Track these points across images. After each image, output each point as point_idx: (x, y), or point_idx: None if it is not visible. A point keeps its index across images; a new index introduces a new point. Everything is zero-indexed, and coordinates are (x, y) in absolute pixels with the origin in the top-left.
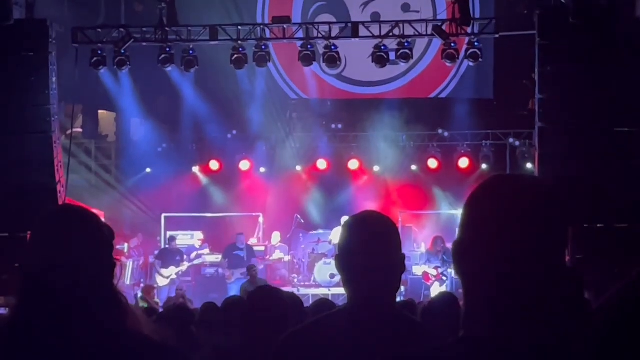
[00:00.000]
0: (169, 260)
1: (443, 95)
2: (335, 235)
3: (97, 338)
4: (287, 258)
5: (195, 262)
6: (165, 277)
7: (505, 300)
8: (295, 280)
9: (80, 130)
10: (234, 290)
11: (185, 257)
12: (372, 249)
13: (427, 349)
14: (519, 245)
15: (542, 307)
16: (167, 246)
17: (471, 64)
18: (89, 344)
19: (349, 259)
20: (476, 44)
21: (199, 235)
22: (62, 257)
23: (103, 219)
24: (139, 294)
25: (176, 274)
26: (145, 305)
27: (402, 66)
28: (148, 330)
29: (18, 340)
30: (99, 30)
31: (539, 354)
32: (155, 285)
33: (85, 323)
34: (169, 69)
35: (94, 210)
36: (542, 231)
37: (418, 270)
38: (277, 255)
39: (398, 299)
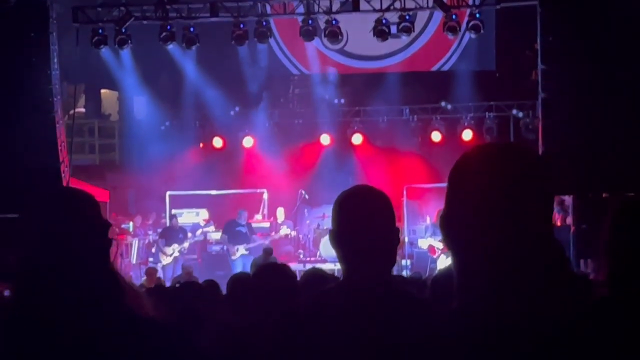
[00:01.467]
0: (171, 238)
1: (445, 68)
2: None
3: (94, 317)
4: (293, 234)
5: (197, 238)
6: (169, 255)
7: (493, 270)
8: (301, 256)
9: (83, 110)
10: (238, 267)
11: (189, 234)
12: (365, 224)
13: (424, 323)
14: (502, 214)
15: (529, 276)
16: (169, 224)
17: (473, 36)
18: (86, 322)
19: (343, 234)
20: (477, 15)
21: (204, 213)
22: (56, 238)
23: (108, 199)
24: (143, 278)
25: (179, 251)
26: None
27: (404, 40)
28: (148, 309)
29: (17, 321)
30: (99, 9)
31: (529, 321)
32: (159, 264)
33: (82, 302)
34: (170, 46)
35: (99, 190)
36: (525, 199)
37: (424, 243)
38: (284, 231)
39: (404, 273)
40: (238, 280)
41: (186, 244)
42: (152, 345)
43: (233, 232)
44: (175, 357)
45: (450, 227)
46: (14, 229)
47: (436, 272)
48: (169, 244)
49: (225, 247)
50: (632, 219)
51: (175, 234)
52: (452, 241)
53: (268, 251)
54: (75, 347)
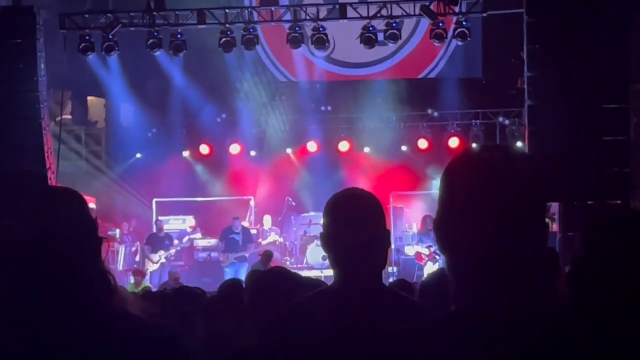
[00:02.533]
0: (157, 245)
1: (432, 75)
2: None
3: (84, 317)
4: (280, 240)
5: (184, 245)
6: (155, 262)
7: (488, 272)
8: (288, 263)
9: (69, 116)
10: (229, 274)
11: (176, 241)
12: (355, 227)
13: (417, 324)
14: (495, 217)
15: (524, 278)
16: (155, 231)
17: (459, 43)
18: (75, 323)
19: (334, 237)
20: (464, 23)
21: (190, 220)
22: (46, 237)
23: (94, 205)
24: (131, 279)
25: (165, 257)
26: (137, 290)
27: (391, 47)
28: (136, 310)
29: (3, 320)
30: (87, 15)
31: (524, 323)
32: (146, 270)
33: (71, 302)
34: (158, 53)
35: (85, 197)
36: (517, 202)
37: (410, 250)
38: (272, 237)
39: (390, 280)
40: (228, 286)
41: (172, 251)
42: (143, 345)
43: (227, 240)
44: (168, 357)
45: (443, 231)
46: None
47: (424, 277)
48: (155, 251)
49: (212, 254)
50: (606, 236)
51: (161, 240)
52: (446, 244)
53: (268, 254)
54: (64, 346)
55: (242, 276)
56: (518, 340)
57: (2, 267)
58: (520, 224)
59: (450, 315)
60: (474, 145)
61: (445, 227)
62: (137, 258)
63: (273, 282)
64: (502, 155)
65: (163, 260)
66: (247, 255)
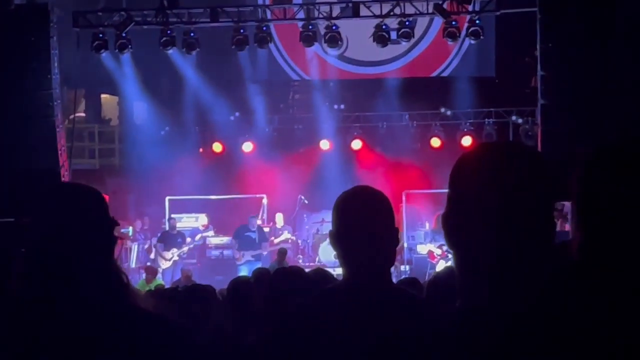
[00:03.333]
0: (170, 243)
1: (445, 73)
2: None
3: (96, 313)
4: (292, 238)
5: (196, 243)
6: (167, 260)
7: (495, 269)
8: (300, 261)
9: (83, 114)
10: (244, 272)
11: (188, 239)
12: (363, 224)
13: (423, 321)
14: (502, 214)
15: (531, 275)
16: (168, 229)
17: (472, 42)
18: (89, 318)
19: (342, 235)
20: (477, 21)
21: (203, 218)
22: (61, 232)
23: (107, 203)
24: (143, 277)
25: (178, 255)
26: (148, 287)
27: (404, 45)
28: (148, 306)
29: (20, 316)
30: (100, 13)
31: (532, 320)
32: (159, 268)
33: (84, 298)
34: (171, 51)
35: None
36: (527, 198)
37: (423, 249)
38: (285, 235)
39: (402, 277)
40: (238, 284)
41: (185, 249)
42: (156, 341)
43: (242, 237)
44: (178, 353)
45: (452, 226)
46: (12, 232)
47: (433, 273)
48: (167, 249)
49: (225, 252)
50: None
51: (174, 238)
52: (454, 240)
53: (283, 252)
54: (78, 342)
55: None
56: (523, 337)
57: (17, 263)
58: (527, 221)
59: (456, 312)
60: (482, 142)
61: (452, 223)
62: (152, 255)
63: (283, 280)
64: (509, 151)
65: (176, 257)
66: (265, 253)
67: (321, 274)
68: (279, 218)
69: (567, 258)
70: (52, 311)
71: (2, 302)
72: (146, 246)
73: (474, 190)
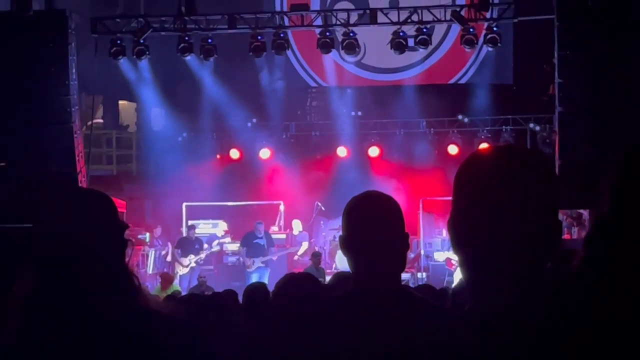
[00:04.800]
0: (188, 249)
1: (462, 81)
2: None
3: (109, 315)
4: (305, 248)
5: (214, 249)
6: (185, 266)
7: (502, 271)
8: None
9: (101, 120)
10: (254, 279)
11: (205, 245)
12: (373, 229)
13: (434, 323)
14: (509, 215)
15: (538, 277)
16: (186, 235)
17: (490, 49)
18: (101, 320)
19: (352, 239)
20: (495, 29)
21: (223, 225)
22: (70, 237)
23: (125, 209)
24: (157, 284)
25: (195, 261)
26: (163, 293)
27: (421, 52)
28: (161, 309)
29: (32, 319)
30: (118, 20)
31: (539, 321)
32: (176, 274)
33: (96, 300)
34: (188, 58)
35: (116, 200)
36: (527, 201)
37: (440, 256)
38: (304, 247)
39: (418, 284)
40: (254, 290)
41: (203, 255)
42: (168, 344)
43: (250, 245)
44: (192, 354)
45: (457, 229)
46: (29, 238)
47: (458, 282)
48: (185, 255)
49: (241, 258)
50: None
51: (192, 244)
52: (457, 243)
53: (317, 255)
54: (89, 345)
55: (266, 280)
56: (530, 339)
57: (30, 266)
58: (530, 223)
59: (464, 315)
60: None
61: (456, 226)
62: (169, 258)
63: (297, 287)
64: (511, 154)
65: (193, 264)
66: (274, 259)
67: (341, 277)
68: (296, 224)
69: (574, 265)
70: (62, 314)
71: (13, 307)
72: (163, 252)
73: (474, 193)
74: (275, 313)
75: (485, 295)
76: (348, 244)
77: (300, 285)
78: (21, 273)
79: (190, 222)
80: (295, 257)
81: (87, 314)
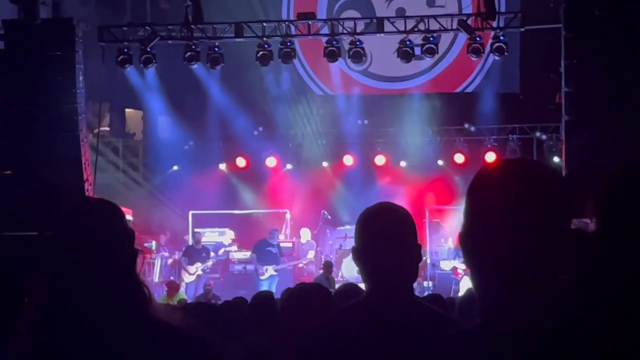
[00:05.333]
0: (194, 257)
1: (469, 89)
2: None
3: (117, 326)
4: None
5: (220, 257)
6: (192, 274)
7: (511, 285)
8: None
9: (107, 128)
10: (265, 287)
11: (212, 254)
12: (387, 240)
13: (446, 337)
14: (521, 230)
15: (550, 291)
16: (192, 243)
17: (497, 58)
18: (109, 331)
19: (365, 250)
20: (502, 37)
21: (230, 233)
22: (84, 245)
23: (131, 217)
24: (164, 293)
25: (202, 269)
26: (168, 302)
27: (428, 61)
28: (170, 320)
29: (45, 327)
30: (125, 28)
31: (551, 337)
32: (182, 282)
33: (107, 310)
34: (195, 66)
35: (122, 209)
36: (540, 215)
37: (446, 265)
38: (310, 255)
39: (425, 294)
40: (262, 299)
41: (209, 263)
42: (178, 355)
43: (263, 252)
44: None
45: (469, 243)
46: (36, 245)
47: (465, 292)
48: (191, 263)
49: (248, 267)
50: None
51: (199, 252)
52: (470, 257)
53: (329, 265)
54: (101, 355)
55: (274, 289)
56: (542, 354)
57: (43, 276)
58: (544, 237)
59: (476, 328)
60: (494, 159)
61: (469, 240)
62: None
63: (306, 296)
64: (525, 168)
65: (200, 272)
66: (289, 268)
67: (350, 289)
68: (304, 233)
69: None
70: (75, 325)
71: (26, 317)
72: (170, 260)
73: (490, 207)
74: (284, 323)
75: (500, 309)
76: (361, 255)
77: (310, 295)
78: (35, 283)
79: (197, 230)
80: (301, 265)
81: (100, 324)
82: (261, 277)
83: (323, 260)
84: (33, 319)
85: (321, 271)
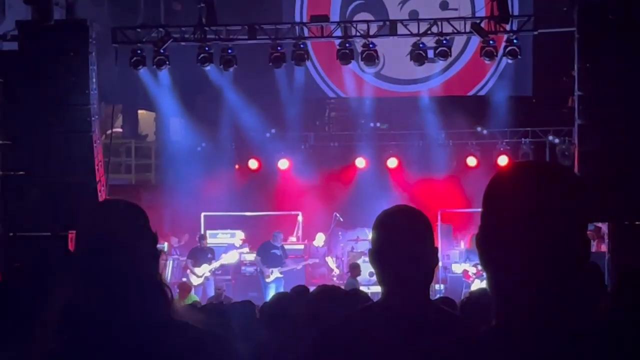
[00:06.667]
0: (200, 259)
1: (482, 92)
2: None
3: (142, 325)
4: (333, 265)
5: (231, 261)
6: (199, 276)
7: (529, 289)
8: (335, 279)
9: (120, 130)
10: (271, 289)
11: (223, 256)
12: (404, 243)
13: (462, 340)
14: (538, 234)
15: (566, 295)
16: (198, 245)
17: (510, 61)
18: (133, 330)
19: (382, 253)
20: (515, 41)
21: (240, 234)
22: (107, 247)
23: None
24: (176, 295)
25: (210, 271)
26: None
27: (441, 64)
28: (191, 320)
29: (66, 328)
30: (139, 30)
31: (567, 340)
32: (191, 284)
33: (130, 311)
34: (208, 68)
35: None
36: (562, 219)
37: (458, 268)
38: (330, 262)
39: (437, 297)
40: (280, 299)
41: (217, 264)
42: (199, 356)
43: (268, 254)
44: None
45: (486, 246)
46: (49, 246)
47: (468, 293)
48: (197, 264)
49: (259, 269)
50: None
51: (204, 254)
52: (487, 260)
53: (355, 266)
54: (123, 355)
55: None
56: (559, 355)
57: (69, 275)
58: (560, 241)
59: (491, 331)
60: (512, 161)
61: (486, 243)
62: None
63: (322, 297)
64: (543, 171)
65: (207, 274)
66: (298, 268)
67: (356, 293)
68: (319, 238)
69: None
70: (98, 325)
71: (51, 315)
72: (183, 263)
73: (508, 210)
74: (300, 323)
75: (516, 311)
76: (377, 257)
77: (327, 297)
78: (60, 281)
79: (208, 232)
80: (300, 267)
81: (122, 324)
82: (267, 280)
83: (335, 261)
84: (55, 318)
85: (348, 274)
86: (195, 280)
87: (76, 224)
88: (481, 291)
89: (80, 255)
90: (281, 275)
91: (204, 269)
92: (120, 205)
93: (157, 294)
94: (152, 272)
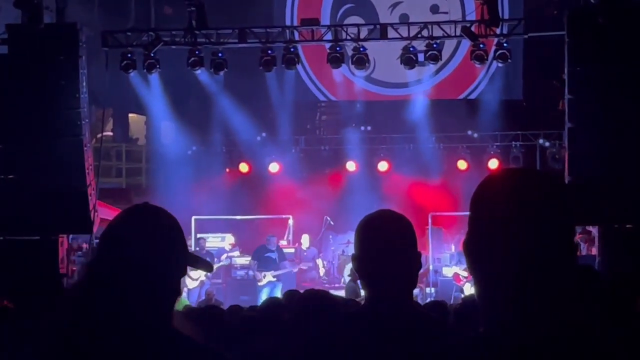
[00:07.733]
0: None
1: (472, 96)
2: None
3: (156, 337)
4: (309, 264)
5: (223, 263)
6: (195, 279)
7: (517, 295)
8: (325, 283)
9: (110, 133)
10: (265, 293)
11: (215, 259)
12: (386, 248)
13: (446, 345)
14: (524, 240)
15: (553, 301)
16: (196, 248)
17: (500, 64)
18: (139, 341)
19: (364, 258)
20: (505, 44)
21: (230, 238)
22: (134, 254)
23: None
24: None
25: (205, 275)
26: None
27: (431, 67)
28: (189, 333)
29: (79, 334)
30: (129, 33)
31: (553, 346)
32: (185, 288)
33: (137, 319)
34: (199, 71)
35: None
36: (547, 224)
37: (448, 271)
38: (320, 263)
39: (428, 300)
40: (270, 304)
41: (214, 267)
42: None
43: (262, 258)
44: None
45: (473, 252)
46: (39, 250)
47: (461, 299)
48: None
49: (250, 272)
50: None
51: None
52: (474, 265)
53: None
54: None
55: (279, 295)
56: None
57: (88, 269)
58: (547, 246)
59: (479, 337)
60: (500, 167)
61: (473, 247)
62: None
63: (312, 303)
64: (529, 177)
65: (203, 278)
66: (294, 271)
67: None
68: (305, 239)
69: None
70: (113, 333)
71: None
72: None
73: (495, 216)
74: (288, 330)
75: (502, 318)
76: (360, 262)
77: (315, 301)
78: (81, 273)
79: (200, 236)
80: (295, 270)
81: (127, 332)
82: (259, 284)
83: (325, 264)
84: (66, 317)
85: (349, 277)
86: (190, 284)
87: (113, 227)
88: (474, 297)
89: (101, 260)
90: (274, 279)
91: (200, 273)
92: (151, 212)
93: (170, 307)
94: (176, 283)
